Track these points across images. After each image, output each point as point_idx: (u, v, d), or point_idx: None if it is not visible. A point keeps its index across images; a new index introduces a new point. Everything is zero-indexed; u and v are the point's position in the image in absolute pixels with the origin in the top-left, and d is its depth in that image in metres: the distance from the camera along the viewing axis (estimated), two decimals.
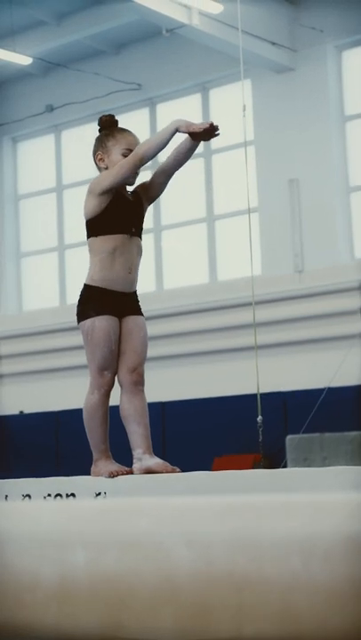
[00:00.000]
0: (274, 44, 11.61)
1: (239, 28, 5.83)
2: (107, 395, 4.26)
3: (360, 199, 11.76)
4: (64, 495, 3.20)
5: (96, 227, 4.25)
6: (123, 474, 4.08)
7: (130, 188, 4.36)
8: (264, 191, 12.12)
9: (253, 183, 12.19)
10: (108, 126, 4.44)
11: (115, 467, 4.14)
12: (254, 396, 11.18)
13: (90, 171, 15.70)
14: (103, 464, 4.17)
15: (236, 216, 12.16)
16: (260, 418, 4.18)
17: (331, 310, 11.30)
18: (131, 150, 4.26)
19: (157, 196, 4.48)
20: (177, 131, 4.10)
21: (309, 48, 11.85)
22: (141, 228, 4.38)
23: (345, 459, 10.47)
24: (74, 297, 4.58)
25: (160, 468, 4.15)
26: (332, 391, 10.71)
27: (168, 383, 11.65)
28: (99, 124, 4.49)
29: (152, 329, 14.67)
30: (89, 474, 4.06)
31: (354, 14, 11.56)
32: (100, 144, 4.38)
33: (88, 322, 4.24)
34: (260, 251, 12.14)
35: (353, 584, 1.04)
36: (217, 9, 10.22)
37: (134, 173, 4.22)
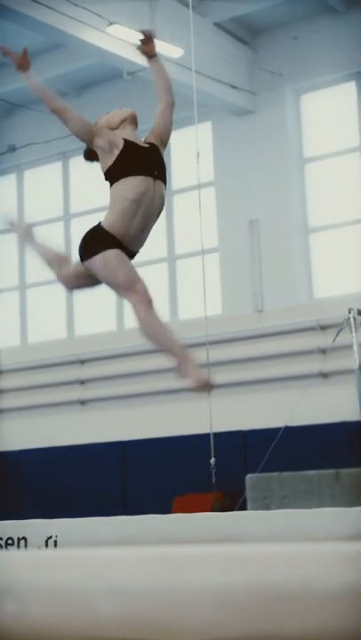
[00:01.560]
0: (234, 87, 11.79)
1: (193, 76, 5.93)
2: (150, 305, 4.24)
3: (319, 240, 11.91)
4: (15, 539, 3.22)
5: (114, 173, 4.34)
6: (208, 387, 4.07)
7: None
8: (224, 231, 12.25)
9: (214, 223, 12.32)
10: None
11: (204, 375, 4.19)
12: (215, 434, 11.26)
13: (51, 210, 15.82)
14: (189, 366, 4.17)
15: (197, 256, 12.23)
16: (212, 460, 4.21)
17: (290, 350, 11.41)
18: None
19: (167, 134, 4.72)
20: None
21: (269, 91, 12.04)
22: (164, 172, 4.46)
23: (304, 498, 10.51)
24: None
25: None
26: (290, 430, 10.78)
27: (128, 422, 11.68)
28: None
29: (111, 369, 14.81)
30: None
31: (312, 59, 11.78)
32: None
33: (98, 257, 4.26)
34: (221, 290, 12.25)
35: (265, 633, 1.09)
36: (177, 53, 10.37)
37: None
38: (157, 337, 4.21)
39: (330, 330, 10.44)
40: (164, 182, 4.39)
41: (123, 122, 4.39)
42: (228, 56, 11.74)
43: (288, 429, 10.67)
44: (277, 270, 11.82)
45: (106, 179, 4.40)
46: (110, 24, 9.99)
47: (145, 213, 4.25)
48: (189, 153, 12.36)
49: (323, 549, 1.07)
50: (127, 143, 4.37)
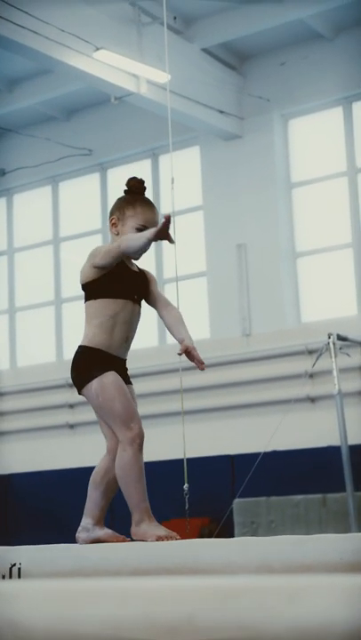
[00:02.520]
0: (222, 112, 11.84)
1: (168, 105, 5.95)
2: (140, 448, 4.04)
3: (306, 264, 11.94)
4: None
5: (95, 290, 4.15)
6: (171, 539, 3.78)
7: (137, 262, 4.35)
8: (212, 255, 12.27)
9: (202, 247, 12.35)
10: (135, 191, 4.31)
11: (161, 531, 3.86)
12: (202, 459, 11.25)
13: (40, 235, 15.85)
14: (147, 526, 3.89)
15: (185, 280, 12.27)
16: (186, 485, 4.17)
17: (278, 374, 11.40)
18: (145, 227, 4.15)
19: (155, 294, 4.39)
20: (158, 239, 4.02)
21: (257, 116, 12.09)
22: (142, 298, 4.27)
23: (291, 522, 10.49)
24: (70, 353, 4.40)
25: (109, 539, 4.04)
26: (278, 454, 10.76)
27: None
28: (126, 186, 4.33)
29: None
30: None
31: (300, 84, 11.85)
32: (119, 209, 4.26)
33: (94, 382, 4.06)
34: (209, 314, 12.26)
35: None
36: (164, 78, 10.40)
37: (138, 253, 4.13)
38: (133, 485, 3.99)
39: (317, 354, 10.43)
40: (140, 306, 4.28)
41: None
42: (215, 81, 11.80)
43: (276, 453, 10.65)
44: (265, 294, 11.83)
45: (83, 289, 4.21)
46: (97, 49, 10.03)
47: (124, 327, 4.13)
48: (179, 177, 12.41)
49: (207, 584, 1.06)
50: (118, 264, 4.15)
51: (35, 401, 13.14)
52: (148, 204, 4.30)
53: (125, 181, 4.39)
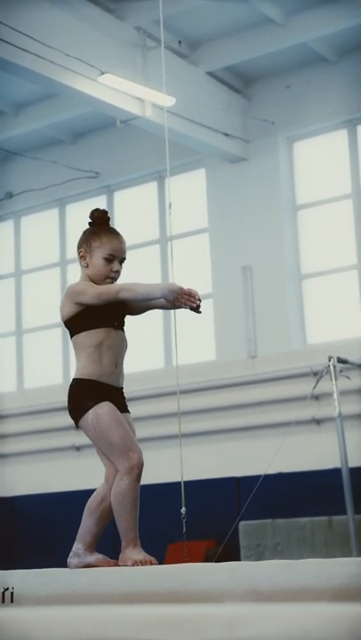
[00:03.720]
0: (227, 135, 11.89)
1: (165, 133, 5.99)
2: (137, 478, 4.07)
3: (312, 286, 11.95)
4: None
5: (77, 325, 4.18)
6: (147, 564, 3.87)
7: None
8: (218, 277, 12.30)
9: (208, 269, 12.38)
10: (98, 223, 4.36)
11: (141, 556, 3.94)
12: (208, 481, 11.25)
13: (47, 257, 15.94)
14: (130, 552, 3.97)
15: None
16: (183, 509, 4.18)
17: (283, 396, 11.38)
18: (113, 256, 4.23)
19: (134, 314, 4.39)
20: (163, 298, 4.08)
21: (262, 139, 12.14)
22: (123, 323, 4.30)
23: (297, 545, 10.45)
24: None
25: (100, 564, 4.07)
26: (284, 476, 10.74)
27: None
28: (90, 218, 4.40)
29: None
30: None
31: (304, 107, 11.90)
32: (86, 241, 4.32)
33: (90, 413, 4.08)
34: (214, 336, 12.27)
35: None
36: (169, 102, 10.47)
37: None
38: (125, 514, 4.04)
39: (323, 376, 10.43)
40: (123, 331, 4.29)
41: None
42: (221, 104, 11.86)
43: (282, 475, 10.63)
44: (271, 316, 11.84)
45: (66, 326, 4.26)
46: (102, 73, 10.10)
47: (111, 353, 4.16)
48: (185, 199, 12.48)
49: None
50: None
51: (41, 423, 13.15)
52: (114, 234, 4.35)
53: (89, 214, 4.46)
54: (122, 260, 4.35)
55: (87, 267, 4.29)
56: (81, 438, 12.81)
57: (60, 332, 13.72)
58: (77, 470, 12.51)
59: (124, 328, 4.32)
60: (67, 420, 14.17)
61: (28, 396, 13.69)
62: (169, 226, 6.00)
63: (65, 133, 13.36)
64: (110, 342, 4.17)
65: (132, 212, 13.15)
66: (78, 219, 14.19)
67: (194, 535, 10.60)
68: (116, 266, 4.29)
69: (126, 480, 4.06)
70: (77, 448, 12.76)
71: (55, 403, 12.92)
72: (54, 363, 13.73)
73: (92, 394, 4.12)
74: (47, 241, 14.05)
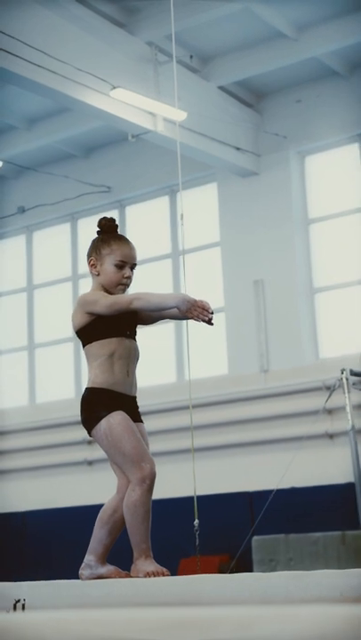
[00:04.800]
0: (238, 149, 11.90)
1: (177, 141, 5.99)
2: (150, 489, 4.04)
3: (324, 300, 11.92)
4: None
5: (89, 334, 4.17)
6: (160, 575, 3.86)
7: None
8: (230, 292, 12.29)
9: (220, 284, 12.37)
10: (107, 231, 4.35)
11: (153, 567, 3.93)
12: (220, 496, 11.21)
13: (60, 271, 15.93)
14: (142, 563, 3.96)
15: None
16: (196, 521, 4.16)
17: (296, 410, 11.35)
18: (124, 262, 4.22)
19: (146, 324, 4.39)
20: (177, 308, 4.05)
21: (273, 153, 12.15)
22: (135, 332, 4.29)
23: (310, 560, 10.39)
24: None
25: (111, 575, 4.05)
26: (297, 491, 10.70)
27: None
28: (98, 226, 4.39)
29: None
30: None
31: (316, 121, 11.91)
32: (95, 249, 4.30)
33: (102, 423, 4.06)
34: (227, 350, 12.25)
35: None
36: (181, 116, 10.49)
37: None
38: (137, 525, 4.01)
39: (336, 390, 10.40)
40: (135, 340, 4.27)
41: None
42: (232, 119, 11.88)
43: (295, 490, 10.59)
44: (283, 330, 11.82)
45: (78, 336, 4.26)
46: (114, 88, 10.12)
47: (123, 362, 4.15)
48: (196, 213, 12.49)
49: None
50: None
51: (53, 437, 13.14)
52: (123, 240, 4.34)
53: (97, 222, 4.43)
54: (133, 266, 4.33)
55: (98, 275, 4.28)
56: (93, 452, 12.81)
57: (72, 347, 13.72)
58: (89, 485, 12.48)
59: (136, 337, 4.29)
60: (79, 434, 14.20)
61: (40, 410, 13.68)
62: (181, 238, 5.98)
63: (77, 148, 13.40)
64: (122, 351, 4.16)
65: (144, 227, 13.17)
66: (90, 233, 14.12)
67: (206, 550, 10.57)
68: (127, 272, 4.28)
69: (138, 491, 4.03)
70: (89, 462, 12.73)
71: (67, 417, 12.91)
72: (66, 377, 13.72)
73: (104, 403, 4.10)
74: (59, 255, 14.07)
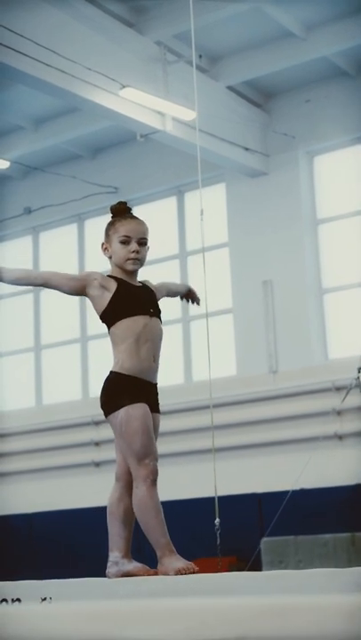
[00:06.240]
0: (247, 149, 11.86)
1: (197, 144, 5.95)
2: (153, 484, 4.02)
3: (333, 300, 11.88)
4: (9, 600, 3.14)
5: (112, 315, 4.17)
6: (191, 572, 3.80)
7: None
8: (238, 292, 12.24)
9: (228, 284, 12.33)
10: (116, 214, 4.37)
11: (181, 563, 3.86)
12: (229, 497, 11.14)
13: (67, 272, 15.81)
14: (168, 560, 3.89)
15: (211, 317, 12.21)
16: (217, 520, 4.11)
17: (305, 411, 11.31)
18: (128, 237, 4.24)
19: (163, 295, 4.51)
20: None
21: (282, 153, 12.11)
22: (159, 311, 4.29)
23: (320, 561, 10.34)
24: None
25: (139, 572, 4.01)
26: (306, 493, 10.64)
27: None
28: (110, 212, 4.41)
29: None
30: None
31: (324, 121, 11.86)
32: (105, 234, 4.34)
33: (122, 411, 4.04)
34: (235, 351, 12.20)
35: None
36: (190, 116, 10.45)
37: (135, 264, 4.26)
38: (151, 520, 3.98)
39: (345, 391, 10.36)
40: (160, 319, 4.28)
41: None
42: (241, 119, 11.84)
43: (304, 492, 10.53)
44: (292, 331, 11.77)
45: (102, 321, 4.24)
46: (123, 87, 10.08)
47: (149, 346, 4.12)
48: (205, 214, 12.40)
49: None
50: (120, 282, 4.21)
51: (60, 439, 13.10)
52: (127, 217, 4.35)
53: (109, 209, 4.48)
54: (141, 241, 4.30)
55: (110, 257, 4.30)
56: (100, 454, 12.77)
57: (79, 348, 13.68)
58: (97, 486, 12.40)
59: (160, 317, 4.29)
60: (85, 435, 14.11)
61: (47, 412, 13.64)
62: (201, 235, 5.93)
63: (84, 148, 13.37)
64: (148, 334, 4.14)
65: (151, 228, 13.07)
66: (97, 234, 14.14)
67: (215, 551, 10.54)
68: (133, 246, 4.25)
69: (143, 487, 4.02)
70: (97, 464, 12.68)
71: (73, 419, 12.87)
72: (73, 379, 13.68)
73: (129, 391, 4.08)
74: (66, 256, 14.02)
